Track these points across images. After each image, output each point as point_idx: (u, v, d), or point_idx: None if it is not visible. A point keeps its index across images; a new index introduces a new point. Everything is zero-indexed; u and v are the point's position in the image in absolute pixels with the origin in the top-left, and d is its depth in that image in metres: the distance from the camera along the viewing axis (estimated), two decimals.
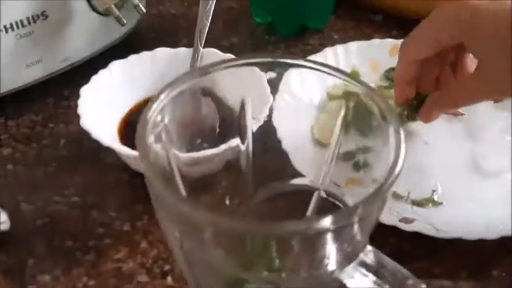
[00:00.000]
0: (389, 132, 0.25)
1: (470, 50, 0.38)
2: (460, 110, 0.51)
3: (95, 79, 0.45)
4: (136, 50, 0.49)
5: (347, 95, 0.30)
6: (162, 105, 0.26)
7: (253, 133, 0.34)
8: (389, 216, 0.40)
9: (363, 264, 0.23)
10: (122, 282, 0.39)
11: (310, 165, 0.38)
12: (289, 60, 0.31)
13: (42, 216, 0.43)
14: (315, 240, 0.22)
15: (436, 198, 0.43)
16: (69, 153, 0.48)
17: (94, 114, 0.43)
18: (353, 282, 0.23)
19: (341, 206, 0.30)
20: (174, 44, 0.53)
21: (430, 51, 0.39)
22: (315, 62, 0.31)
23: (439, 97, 0.42)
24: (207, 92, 0.36)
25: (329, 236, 0.21)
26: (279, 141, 0.39)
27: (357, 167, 0.33)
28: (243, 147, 0.34)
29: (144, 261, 0.40)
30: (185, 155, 0.31)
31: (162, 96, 0.26)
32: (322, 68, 0.30)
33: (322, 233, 0.21)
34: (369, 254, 0.23)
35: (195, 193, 0.29)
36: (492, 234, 0.39)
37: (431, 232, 0.39)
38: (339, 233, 0.22)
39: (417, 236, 0.40)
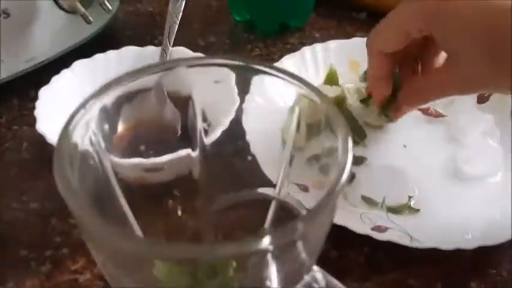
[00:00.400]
0: (338, 141, 0.23)
1: (439, 42, 0.36)
2: (442, 111, 0.49)
3: (56, 80, 0.43)
4: (110, 49, 0.47)
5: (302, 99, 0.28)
6: (98, 107, 0.24)
7: (205, 138, 0.32)
8: (361, 224, 0.38)
9: (309, 287, 0.21)
10: None
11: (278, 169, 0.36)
12: (253, 66, 0.29)
13: None
14: (251, 263, 0.19)
15: (412, 204, 0.41)
16: (31, 157, 0.46)
17: (52, 117, 0.40)
18: None
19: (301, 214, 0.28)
20: (149, 43, 0.51)
21: (399, 44, 0.37)
22: (278, 70, 0.29)
23: (409, 92, 0.40)
24: (158, 92, 0.34)
25: (268, 257, 0.19)
26: (246, 145, 0.36)
27: (323, 170, 0.32)
28: (194, 154, 0.32)
29: (101, 272, 0.38)
30: (127, 162, 0.29)
31: (94, 100, 0.24)
32: (283, 76, 0.28)
33: (258, 255, 0.19)
34: (316, 274, 0.21)
35: (140, 205, 0.27)
36: (470, 243, 0.37)
37: (405, 241, 0.37)
38: (280, 253, 0.19)
39: (392, 245, 0.38)
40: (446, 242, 0.37)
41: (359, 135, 0.46)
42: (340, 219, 0.36)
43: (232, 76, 0.31)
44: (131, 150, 0.29)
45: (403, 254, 0.38)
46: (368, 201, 0.42)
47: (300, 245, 0.20)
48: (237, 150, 0.35)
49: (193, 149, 0.30)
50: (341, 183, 0.20)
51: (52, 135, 0.39)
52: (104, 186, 0.25)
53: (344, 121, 0.24)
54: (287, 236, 0.19)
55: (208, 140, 0.30)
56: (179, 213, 0.30)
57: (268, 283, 0.20)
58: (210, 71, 0.30)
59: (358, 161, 0.45)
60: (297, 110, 0.43)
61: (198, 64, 0.30)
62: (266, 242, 0.19)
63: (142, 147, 0.32)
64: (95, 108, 0.24)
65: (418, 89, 0.39)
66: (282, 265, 0.20)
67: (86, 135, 0.24)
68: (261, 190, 0.29)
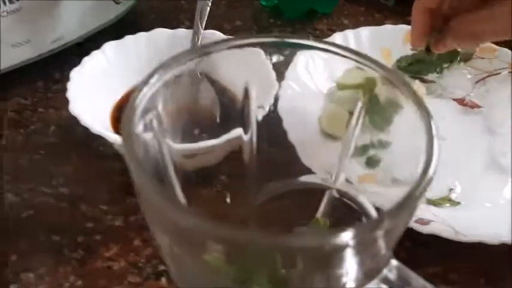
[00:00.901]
0: (416, 126, 0.22)
1: None
2: (478, 102, 0.48)
3: (87, 61, 0.42)
4: (134, 32, 0.46)
5: (364, 82, 0.27)
6: (153, 90, 0.23)
7: (258, 123, 0.31)
8: None
9: (386, 281, 0.20)
10: (111, 283, 0.36)
11: (318, 160, 0.35)
12: (297, 41, 0.27)
13: (28, 208, 0.40)
14: (330, 257, 0.18)
15: (453, 197, 0.40)
16: (58, 141, 0.45)
17: (84, 99, 0.39)
18: None
19: (355, 207, 0.27)
20: (174, 26, 0.50)
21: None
22: (327, 43, 0.27)
23: (459, 24, 0.36)
24: (207, 76, 0.33)
25: (348, 252, 0.18)
26: (284, 133, 0.35)
27: (371, 163, 0.30)
28: (246, 138, 0.31)
29: (136, 260, 0.37)
30: (181, 146, 0.28)
31: (154, 79, 0.23)
32: (336, 50, 0.27)
33: (339, 249, 0.18)
34: (393, 269, 0.20)
35: (191, 189, 0.26)
36: None
37: (450, 235, 0.36)
38: (361, 249, 0.18)
39: (432, 239, 0.37)
40: (491, 236, 0.36)
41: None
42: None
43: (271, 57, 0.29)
44: (182, 134, 0.28)
45: (443, 248, 0.37)
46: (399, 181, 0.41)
47: (381, 240, 0.19)
48: (278, 138, 0.34)
49: (245, 132, 0.29)
50: (431, 170, 0.19)
51: (85, 117, 0.37)
52: (162, 170, 0.24)
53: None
54: (372, 230, 0.18)
55: (259, 123, 0.29)
56: (227, 200, 0.29)
57: (343, 279, 0.19)
58: (257, 53, 0.29)
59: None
60: (341, 97, 0.42)
61: (246, 44, 0.29)
62: (348, 236, 0.18)
63: (196, 131, 0.31)
64: (151, 91, 0.23)
65: (471, 22, 0.35)
66: (362, 260, 0.19)
67: (147, 118, 0.22)
68: (315, 179, 0.28)
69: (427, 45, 0.39)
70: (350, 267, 0.19)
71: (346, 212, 0.27)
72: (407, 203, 0.19)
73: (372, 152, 0.31)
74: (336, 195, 0.27)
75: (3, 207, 0.39)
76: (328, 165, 0.33)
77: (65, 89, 0.41)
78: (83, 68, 0.41)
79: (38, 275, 0.36)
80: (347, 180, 0.29)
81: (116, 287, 0.35)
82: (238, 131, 0.31)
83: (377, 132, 0.30)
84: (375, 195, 0.27)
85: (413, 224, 0.37)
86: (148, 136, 0.23)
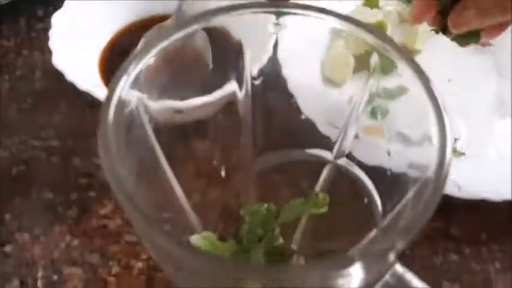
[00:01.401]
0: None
1: None
2: (491, 41, 0.45)
3: (69, 3, 0.38)
4: None
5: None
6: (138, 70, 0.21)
7: (253, 79, 0.29)
8: None
9: (386, 286, 0.19)
10: (108, 242, 0.35)
11: (321, 110, 0.33)
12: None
13: (18, 164, 0.38)
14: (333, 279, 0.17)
15: (458, 147, 0.39)
16: (46, 88, 0.42)
17: (68, 49, 0.37)
18: None
19: (359, 177, 0.26)
20: None
21: None
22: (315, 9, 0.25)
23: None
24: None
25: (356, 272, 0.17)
26: (285, 91, 0.33)
27: (374, 114, 0.29)
28: (240, 95, 0.29)
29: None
30: (169, 104, 0.25)
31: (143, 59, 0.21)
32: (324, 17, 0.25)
33: (346, 274, 0.17)
34: (395, 273, 0.19)
35: (180, 163, 0.25)
36: None
37: (453, 191, 0.35)
38: (369, 268, 0.17)
39: None
40: (494, 192, 0.35)
41: None
42: (378, 161, 0.34)
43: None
44: (170, 89, 0.26)
45: (445, 203, 0.36)
46: (406, 140, 0.39)
47: (392, 256, 0.17)
48: (288, 106, 0.32)
49: (240, 88, 0.27)
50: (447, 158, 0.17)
51: (71, 72, 0.35)
52: (147, 145, 0.22)
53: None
54: (384, 255, 0.16)
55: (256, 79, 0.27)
56: (222, 174, 0.27)
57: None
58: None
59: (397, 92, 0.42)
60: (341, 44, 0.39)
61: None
62: (357, 265, 0.16)
63: (183, 84, 0.29)
64: (138, 66, 0.21)
65: None
66: (368, 274, 0.18)
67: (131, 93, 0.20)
68: (315, 152, 0.27)
69: (442, 26, 0.34)
70: (355, 280, 0.18)
71: (346, 188, 0.25)
72: (425, 213, 0.17)
73: (378, 102, 0.29)
74: (336, 169, 0.26)
75: None
76: (331, 115, 0.31)
77: (48, 28, 0.38)
78: (65, 11, 0.38)
79: (33, 235, 0.35)
80: (356, 136, 0.28)
81: (112, 246, 0.35)
82: (232, 86, 0.29)
83: (384, 77, 0.28)
84: (375, 158, 0.25)
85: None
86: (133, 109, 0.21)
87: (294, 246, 0.28)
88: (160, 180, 0.24)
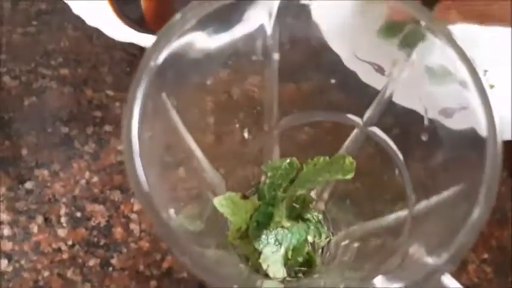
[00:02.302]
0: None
1: None
2: None
3: None
4: None
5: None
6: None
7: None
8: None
9: None
10: (127, 178, 0.35)
11: (349, 42, 0.31)
12: None
13: (29, 95, 0.37)
14: None
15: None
16: (51, 9, 0.40)
17: None
18: None
19: (390, 146, 0.25)
20: None
21: None
22: None
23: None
24: None
25: None
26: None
27: (403, 44, 0.27)
28: (269, 31, 0.26)
29: (172, 150, 0.36)
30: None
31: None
32: None
33: None
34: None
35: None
36: None
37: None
38: None
39: None
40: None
41: None
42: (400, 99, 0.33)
43: None
44: None
45: None
46: (431, 73, 0.37)
47: None
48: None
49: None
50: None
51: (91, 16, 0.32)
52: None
53: None
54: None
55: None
56: (245, 135, 0.26)
57: None
58: None
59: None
60: None
61: None
62: None
63: None
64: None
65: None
66: None
67: None
68: (343, 116, 0.25)
69: None
70: None
71: (375, 156, 0.24)
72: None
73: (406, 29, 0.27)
74: (365, 136, 0.25)
75: (4, 93, 0.37)
76: (360, 50, 0.29)
77: None
78: None
79: (53, 172, 0.35)
80: (372, 66, 0.26)
81: None
82: (260, 18, 0.26)
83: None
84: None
85: (436, 116, 0.34)
86: None
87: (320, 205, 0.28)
88: (179, 142, 0.23)
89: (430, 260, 0.16)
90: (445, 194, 0.19)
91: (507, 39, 0.37)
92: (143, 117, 0.17)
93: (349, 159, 0.25)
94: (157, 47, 0.17)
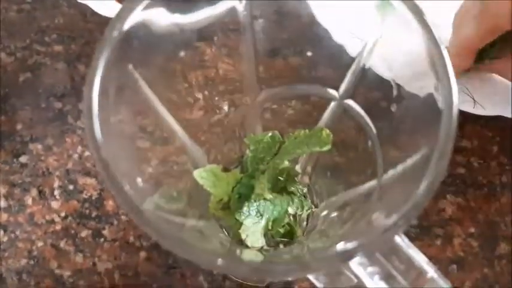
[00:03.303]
0: None
1: None
2: None
3: None
4: None
5: None
6: None
7: None
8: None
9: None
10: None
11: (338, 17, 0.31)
12: None
13: (24, 71, 0.38)
14: None
15: None
16: None
17: None
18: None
19: (364, 119, 0.25)
20: None
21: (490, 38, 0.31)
22: None
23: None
24: None
25: None
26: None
27: None
28: (240, 8, 0.27)
29: (144, 124, 0.37)
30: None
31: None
32: None
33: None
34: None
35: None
36: None
37: (468, 108, 0.34)
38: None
39: None
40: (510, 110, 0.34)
41: None
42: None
43: None
44: None
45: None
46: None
47: None
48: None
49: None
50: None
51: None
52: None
53: None
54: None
55: None
56: (225, 108, 0.27)
57: None
58: None
59: None
60: None
61: None
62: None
63: None
64: None
65: None
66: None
67: None
68: (320, 89, 0.25)
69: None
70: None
71: (350, 128, 0.25)
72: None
73: None
74: (341, 109, 0.25)
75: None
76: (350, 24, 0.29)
77: None
78: None
79: (47, 146, 0.36)
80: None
81: None
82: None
83: None
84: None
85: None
86: None
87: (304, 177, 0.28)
88: (153, 115, 0.24)
89: (386, 222, 0.17)
90: (409, 162, 0.19)
91: None
92: (106, 87, 0.18)
93: (326, 132, 0.25)
94: (120, 17, 0.18)
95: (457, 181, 0.35)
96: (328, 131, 0.25)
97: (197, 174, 0.26)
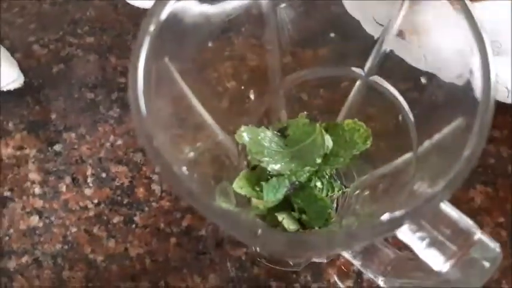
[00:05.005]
0: None
1: None
2: None
3: None
4: None
5: None
6: None
7: None
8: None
9: None
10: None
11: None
12: None
13: (57, 62, 0.39)
14: None
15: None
16: None
17: None
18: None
19: (392, 93, 0.25)
20: None
21: None
22: None
23: None
24: None
25: None
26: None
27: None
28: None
29: (179, 113, 0.37)
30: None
31: None
32: None
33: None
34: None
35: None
36: None
37: (503, 97, 0.33)
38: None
39: None
40: None
41: None
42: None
43: None
44: None
45: None
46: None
47: None
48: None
49: None
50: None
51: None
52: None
53: None
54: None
55: None
56: (251, 97, 0.27)
57: None
58: None
59: None
60: None
61: None
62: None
63: None
64: None
65: None
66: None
67: None
68: (345, 69, 0.25)
69: None
70: None
71: (378, 104, 0.25)
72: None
73: None
74: (368, 86, 0.25)
75: (34, 61, 0.39)
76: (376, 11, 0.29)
77: None
78: None
79: (80, 135, 0.37)
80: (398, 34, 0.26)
81: None
82: None
83: None
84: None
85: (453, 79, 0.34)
86: None
87: None
88: (188, 108, 0.24)
89: (429, 191, 0.17)
90: (445, 130, 0.19)
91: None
92: (148, 80, 0.18)
93: (363, 127, 0.25)
94: (156, 9, 0.18)
95: (487, 171, 0.35)
96: (364, 126, 0.25)
97: (236, 186, 0.26)
